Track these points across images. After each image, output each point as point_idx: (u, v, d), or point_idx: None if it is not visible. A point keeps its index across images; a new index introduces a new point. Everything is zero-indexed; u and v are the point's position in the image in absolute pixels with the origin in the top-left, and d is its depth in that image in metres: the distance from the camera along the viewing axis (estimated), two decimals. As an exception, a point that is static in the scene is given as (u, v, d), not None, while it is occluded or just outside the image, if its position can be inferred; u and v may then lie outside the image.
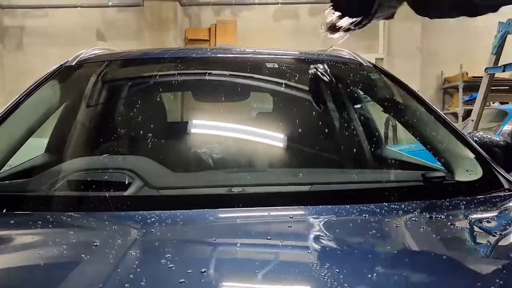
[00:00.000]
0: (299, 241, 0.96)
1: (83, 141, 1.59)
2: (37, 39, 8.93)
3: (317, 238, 0.97)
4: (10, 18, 9.00)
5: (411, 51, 8.28)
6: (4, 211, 1.09)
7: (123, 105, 1.70)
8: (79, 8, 8.87)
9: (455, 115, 8.12)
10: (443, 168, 1.45)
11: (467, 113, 7.67)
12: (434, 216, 1.08)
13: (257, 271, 0.80)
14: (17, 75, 8.60)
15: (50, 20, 8.98)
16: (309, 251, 0.90)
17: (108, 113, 1.69)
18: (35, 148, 1.69)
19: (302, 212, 1.09)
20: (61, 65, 1.71)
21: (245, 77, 1.70)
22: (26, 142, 1.49)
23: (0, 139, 1.42)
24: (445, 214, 1.11)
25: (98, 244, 0.91)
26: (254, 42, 8.48)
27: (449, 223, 1.07)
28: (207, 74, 1.68)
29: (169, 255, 0.84)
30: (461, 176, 1.35)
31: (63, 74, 1.67)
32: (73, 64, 1.70)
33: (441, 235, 1.03)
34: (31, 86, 1.58)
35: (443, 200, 1.17)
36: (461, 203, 1.17)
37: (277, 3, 8.90)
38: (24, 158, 1.60)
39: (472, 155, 1.40)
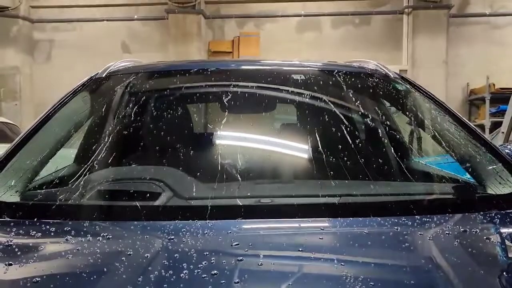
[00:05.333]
0: (331, 253, 0.95)
1: (112, 151, 1.62)
2: (65, 52, 9.17)
3: (349, 251, 0.96)
4: (39, 32, 9.28)
5: (436, 62, 8.19)
6: (35, 219, 1.12)
7: (151, 116, 1.72)
8: (105, 21, 9.09)
9: (481, 127, 7.96)
10: (474, 181, 1.43)
11: (495, 125, 7.52)
12: (467, 230, 1.06)
13: (290, 283, 0.80)
14: (46, 86, 8.84)
15: (78, 33, 9.23)
16: (342, 264, 0.89)
17: (137, 124, 1.71)
18: (65, 158, 1.72)
19: (333, 224, 1.08)
20: (91, 77, 1.75)
21: (271, 89, 1.70)
22: (57, 152, 1.52)
23: (33, 149, 1.46)
24: (479, 228, 1.08)
25: (130, 253, 0.92)
26: (277, 54, 8.52)
27: (484, 237, 1.05)
28: (233, 86, 1.69)
29: (201, 265, 0.84)
30: (494, 189, 1.32)
31: (93, 85, 1.71)
32: (103, 76, 1.74)
33: (475, 250, 1.00)
34: (63, 97, 1.62)
35: (476, 214, 1.14)
36: (495, 217, 1.15)
37: (300, 15, 8.94)
38: (55, 167, 1.64)
39: (504, 168, 1.37)
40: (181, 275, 0.82)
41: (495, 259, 1.00)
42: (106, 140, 1.64)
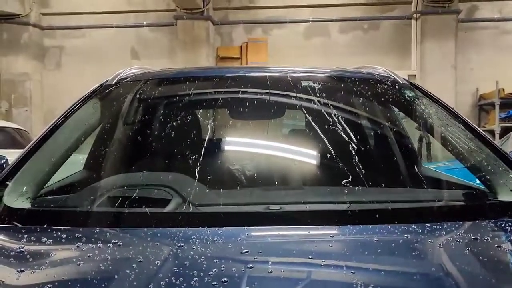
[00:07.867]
0: (342, 260, 0.95)
1: (122, 158, 1.63)
2: (75, 58, 9.26)
3: (359, 258, 0.96)
4: (50, 38, 9.38)
5: (445, 68, 8.15)
6: (46, 226, 1.13)
7: (161, 123, 1.73)
8: (115, 28, 9.17)
9: (491, 132, 7.90)
10: (484, 187, 1.41)
11: (505, 131, 7.47)
12: (478, 238, 1.05)
13: None
14: (56, 92, 8.92)
15: (87, 40, 9.32)
16: (352, 271, 0.88)
17: (146, 131, 1.72)
18: (75, 164, 1.74)
19: (342, 231, 1.08)
20: (101, 84, 1.76)
21: (279, 95, 1.70)
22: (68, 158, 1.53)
23: (44, 156, 1.47)
24: (490, 235, 1.08)
25: (141, 260, 0.92)
26: (285, 60, 8.53)
27: (495, 245, 1.04)
28: (242, 92, 1.70)
29: (211, 272, 0.85)
30: (505, 195, 1.31)
31: (103, 92, 1.72)
32: (113, 83, 1.75)
33: (486, 258, 1.00)
34: (73, 104, 1.63)
35: (487, 221, 1.14)
36: (507, 224, 1.14)
37: (308, 21, 8.96)
38: (66, 174, 1.65)
39: None
40: (191, 282, 0.82)
41: (507, 267, 1.00)
42: (116, 146, 1.65)
